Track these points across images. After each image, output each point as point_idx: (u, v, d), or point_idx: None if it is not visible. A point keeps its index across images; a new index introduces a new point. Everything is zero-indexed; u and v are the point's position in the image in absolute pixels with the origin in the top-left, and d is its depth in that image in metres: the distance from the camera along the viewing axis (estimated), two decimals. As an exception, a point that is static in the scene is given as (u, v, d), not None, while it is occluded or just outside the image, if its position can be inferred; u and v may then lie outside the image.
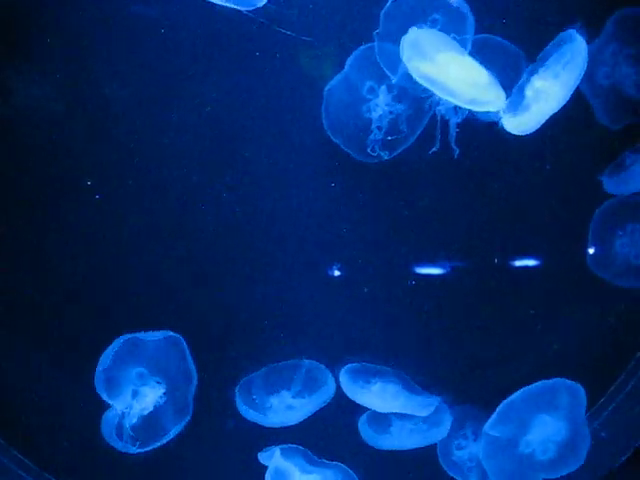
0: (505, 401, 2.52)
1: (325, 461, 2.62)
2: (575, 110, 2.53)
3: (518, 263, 2.76)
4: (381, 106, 2.52)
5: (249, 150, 2.66)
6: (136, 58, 2.60)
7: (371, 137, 2.54)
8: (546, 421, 2.52)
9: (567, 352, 2.75)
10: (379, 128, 2.53)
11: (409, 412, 2.59)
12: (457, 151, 2.52)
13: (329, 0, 2.56)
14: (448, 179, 2.71)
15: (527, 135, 2.48)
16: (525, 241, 2.77)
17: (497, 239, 2.76)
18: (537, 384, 2.52)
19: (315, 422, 2.67)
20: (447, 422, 2.64)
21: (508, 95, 2.39)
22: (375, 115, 2.53)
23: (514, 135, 2.47)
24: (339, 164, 2.66)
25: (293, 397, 2.64)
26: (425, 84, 2.35)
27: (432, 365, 2.72)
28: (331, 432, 2.70)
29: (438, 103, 2.46)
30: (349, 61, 2.51)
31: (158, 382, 2.54)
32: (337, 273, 2.72)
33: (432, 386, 2.64)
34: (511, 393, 2.54)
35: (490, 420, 2.52)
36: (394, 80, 2.45)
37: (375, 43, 2.46)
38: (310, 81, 2.59)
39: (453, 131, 2.49)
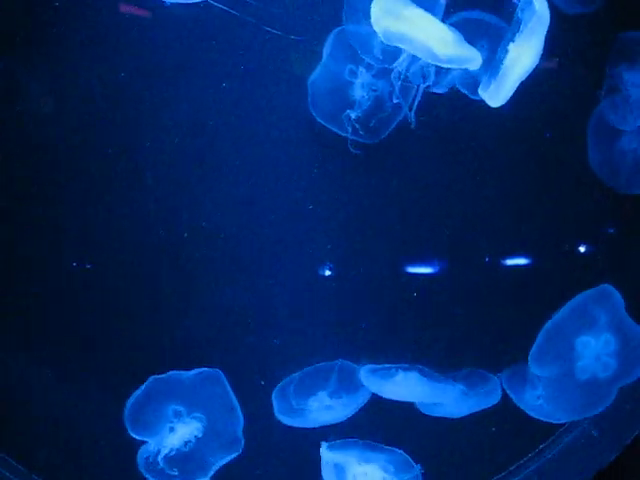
0: (534, 346, 2.44)
1: (384, 447, 2.60)
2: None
3: (509, 262, 2.77)
4: (363, 86, 2.52)
5: (238, 150, 2.65)
6: (124, 57, 2.60)
7: (357, 117, 2.54)
8: (588, 341, 2.43)
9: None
10: (363, 108, 2.53)
11: (437, 400, 2.59)
12: (413, 121, 2.52)
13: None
14: (438, 176, 2.72)
15: (516, 126, 2.57)
16: (516, 239, 2.77)
17: (488, 237, 2.76)
18: (561, 310, 2.44)
19: (369, 409, 2.66)
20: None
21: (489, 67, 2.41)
22: (359, 96, 2.53)
23: (502, 128, 2.55)
24: (328, 164, 2.67)
25: (330, 397, 2.64)
26: (396, 43, 2.36)
27: (426, 364, 2.72)
28: (386, 417, 2.68)
29: (407, 70, 2.47)
30: (325, 49, 2.52)
31: (197, 417, 2.52)
32: (328, 273, 2.73)
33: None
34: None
35: (533, 370, 2.45)
36: (367, 59, 2.47)
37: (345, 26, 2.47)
38: (299, 80, 2.59)
39: (417, 99, 2.49)
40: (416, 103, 2.50)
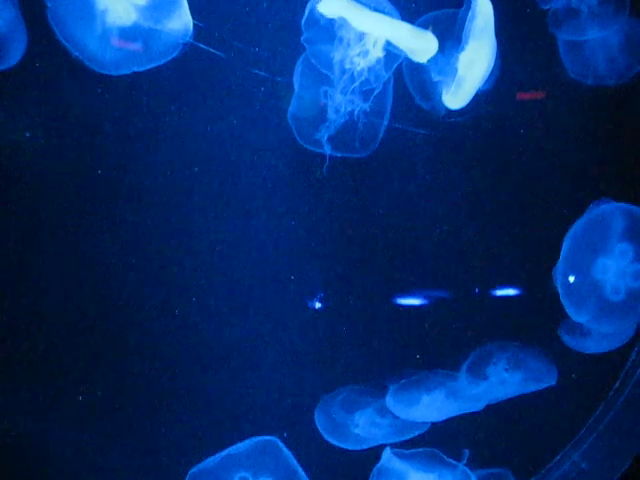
0: (562, 287, 2.41)
1: (445, 458, 2.57)
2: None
3: (499, 292, 2.77)
4: (340, 105, 2.52)
5: (227, 187, 2.67)
6: (112, 96, 2.61)
7: (338, 135, 2.54)
8: (606, 264, 2.37)
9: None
10: (341, 124, 2.53)
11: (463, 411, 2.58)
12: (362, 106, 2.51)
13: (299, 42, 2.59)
14: (427, 207, 2.73)
15: (503, 156, 2.60)
16: (505, 270, 2.78)
17: (478, 268, 2.77)
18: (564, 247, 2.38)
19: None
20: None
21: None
22: (337, 115, 2.52)
23: (488, 157, 2.58)
24: (317, 198, 2.68)
25: (377, 414, 2.63)
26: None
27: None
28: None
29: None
30: (295, 79, 2.51)
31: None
32: (318, 305, 2.73)
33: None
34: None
35: (571, 315, 2.41)
36: (330, 75, 2.46)
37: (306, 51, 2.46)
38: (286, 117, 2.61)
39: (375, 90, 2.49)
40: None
